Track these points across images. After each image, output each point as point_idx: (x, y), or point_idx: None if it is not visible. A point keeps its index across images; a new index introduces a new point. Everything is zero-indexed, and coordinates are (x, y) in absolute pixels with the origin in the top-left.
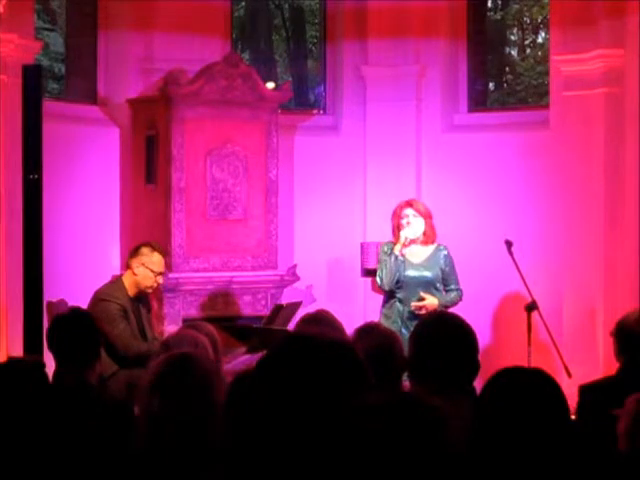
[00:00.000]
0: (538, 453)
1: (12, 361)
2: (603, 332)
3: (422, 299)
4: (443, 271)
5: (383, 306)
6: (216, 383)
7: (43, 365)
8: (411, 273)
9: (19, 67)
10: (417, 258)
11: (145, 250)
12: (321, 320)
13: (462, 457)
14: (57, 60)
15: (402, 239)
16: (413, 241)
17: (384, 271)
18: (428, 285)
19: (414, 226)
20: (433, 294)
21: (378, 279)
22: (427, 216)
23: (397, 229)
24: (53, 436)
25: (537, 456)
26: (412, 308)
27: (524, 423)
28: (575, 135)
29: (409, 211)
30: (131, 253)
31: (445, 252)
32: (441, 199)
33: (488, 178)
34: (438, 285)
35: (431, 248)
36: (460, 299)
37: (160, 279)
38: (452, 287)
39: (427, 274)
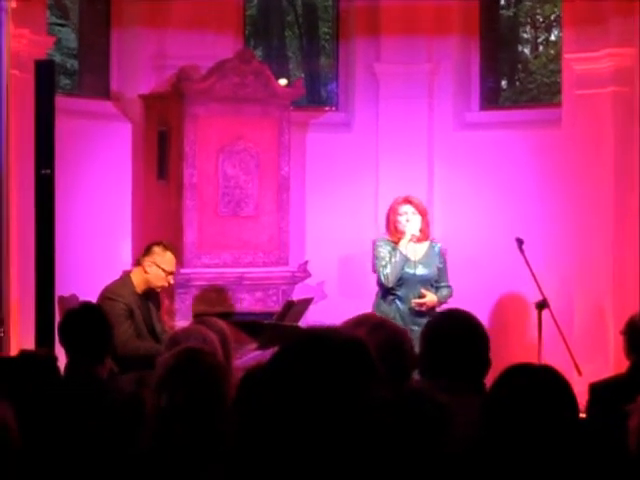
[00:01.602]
0: (546, 450)
1: (24, 354)
2: (614, 330)
3: (423, 296)
4: (439, 268)
5: (376, 303)
6: (224, 377)
7: (55, 359)
8: (411, 270)
9: (31, 62)
10: (415, 255)
11: (157, 249)
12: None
13: (468, 453)
14: (69, 56)
15: (408, 236)
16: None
17: (389, 267)
18: (426, 282)
19: (414, 223)
20: (431, 291)
21: (382, 276)
22: (424, 213)
23: (393, 225)
24: (63, 429)
25: (545, 453)
26: (413, 305)
27: (533, 420)
28: (586, 133)
29: (408, 208)
30: (143, 252)
31: (439, 249)
32: (452, 197)
33: (499, 176)
34: (434, 282)
35: (425, 245)
36: (451, 296)
37: (171, 279)
38: (444, 284)
39: (426, 271)
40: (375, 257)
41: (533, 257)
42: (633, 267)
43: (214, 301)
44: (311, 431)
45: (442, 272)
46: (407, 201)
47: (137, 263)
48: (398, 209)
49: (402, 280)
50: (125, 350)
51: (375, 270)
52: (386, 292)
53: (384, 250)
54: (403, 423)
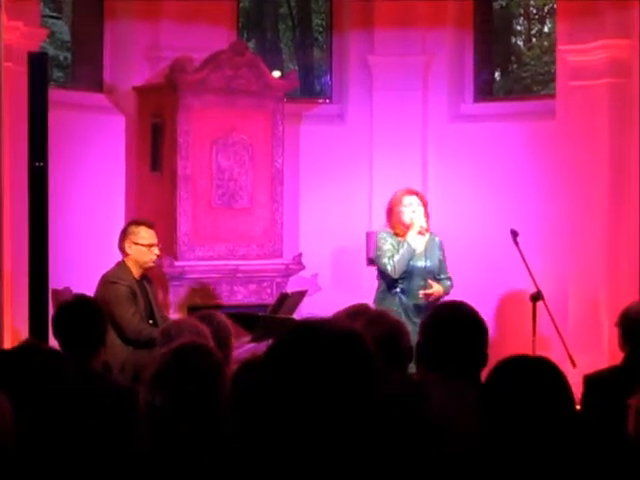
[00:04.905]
0: (543, 442)
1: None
2: (608, 322)
3: (430, 286)
4: (440, 260)
5: (379, 298)
6: (221, 374)
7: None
8: (418, 263)
9: (25, 55)
10: (418, 247)
11: (130, 228)
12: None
13: (463, 448)
14: (63, 48)
15: (417, 227)
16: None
17: (396, 258)
18: (430, 274)
19: (420, 214)
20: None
21: (389, 267)
22: (426, 205)
23: (397, 217)
24: (55, 423)
25: (542, 445)
26: (421, 295)
27: (529, 412)
28: (581, 125)
29: (413, 199)
30: (120, 237)
31: (439, 241)
32: (447, 188)
33: (494, 168)
34: (436, 275)
35: (426, 237)
36: (452, 287)
37: (156, 250)
38: (444, 276)
39: (429, 263)
40: (378, 249)
41: (528, 249)
42: (627, 259)
43: (225, 294)
44: (308, 424)
45: (442, 264)
46: (411, 192)
47: (121, 250)
48: (403, 200)
49: (407, 272)
50: (138, 335)
51: (374, 263)
52: (390, 286)
53: (387, 243)
54: (404, 417)
